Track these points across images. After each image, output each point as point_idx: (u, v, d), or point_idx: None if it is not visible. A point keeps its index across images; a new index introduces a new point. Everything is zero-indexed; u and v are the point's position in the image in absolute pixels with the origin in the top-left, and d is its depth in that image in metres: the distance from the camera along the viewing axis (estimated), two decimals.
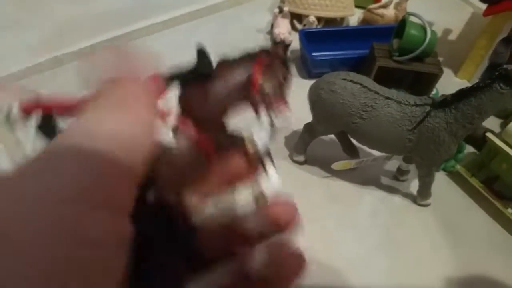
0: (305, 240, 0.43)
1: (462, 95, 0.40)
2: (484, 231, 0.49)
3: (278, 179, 0.23)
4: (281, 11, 0.64)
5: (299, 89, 0.50)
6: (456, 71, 0.66)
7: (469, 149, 0.54)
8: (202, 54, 0.27)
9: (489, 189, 0.51)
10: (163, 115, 0.24)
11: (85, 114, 0.20)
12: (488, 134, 0.51)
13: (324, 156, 0.52)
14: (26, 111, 0.24)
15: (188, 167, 0.19)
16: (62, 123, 0.21)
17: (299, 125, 0.51)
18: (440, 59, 0.66)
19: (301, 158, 0.51)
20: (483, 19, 0.60)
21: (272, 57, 0.25)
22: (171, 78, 0.25)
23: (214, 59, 0.27)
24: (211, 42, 0.63)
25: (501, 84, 0.38)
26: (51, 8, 0.65)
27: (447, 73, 0.66)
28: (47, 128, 0.25)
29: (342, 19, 0.69)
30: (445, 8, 0.77)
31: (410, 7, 0.68)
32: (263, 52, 0.25)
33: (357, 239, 0.46)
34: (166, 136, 0.23)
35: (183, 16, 0.67)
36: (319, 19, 0.66)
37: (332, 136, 0.51)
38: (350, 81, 0.42)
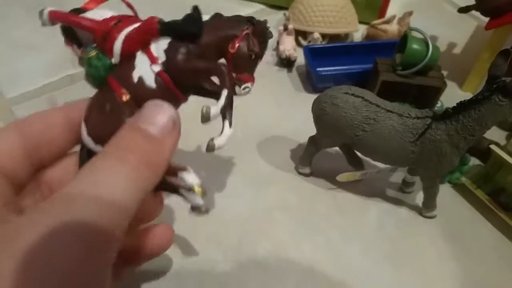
0: (311, 250, 0.44)
1: (462, 107, 0.40)
2: (490, 243, 0.49)
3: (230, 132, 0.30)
4: (286, 28, 0.65)
5: (304, 103, 0.51)
6: (460, 84, 0.67)
7: (474, 161, 0.54)
8: (194, 16, 0.35)
9: (495, 201, 0.51)
10: (153, 59, 0.30)
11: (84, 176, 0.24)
12: (493, 147, 0.51)
13: (329, 168, 0.53)
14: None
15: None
16: None
17: (304, 138, 0.52)
18: (445, 72, 0.67)
19: (306, 170, 0.52)
20: (487, 33, 0.61)
21: (256, 30, 0.31)
22: (166, 29, 0.31)
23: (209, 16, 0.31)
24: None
25: (500, 97, 0.38)
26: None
27: (452, 86, 0.67)
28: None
29: (346, 35, 0.71)
30: (449, 22, 0.78)
31: (413, 22, 0.69)
32: (250, 21, 0.30)
33: (363, 251, 0.47)
34: (150, 78, 0.30)
35: None
36: (323, 35, 0.67)
37: (337, 148, 0.52)
38: (352, 94, 0.43)
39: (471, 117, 0.40)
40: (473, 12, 0.65)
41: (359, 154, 0.49)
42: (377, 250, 0.47)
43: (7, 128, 0.29)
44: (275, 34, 0.70)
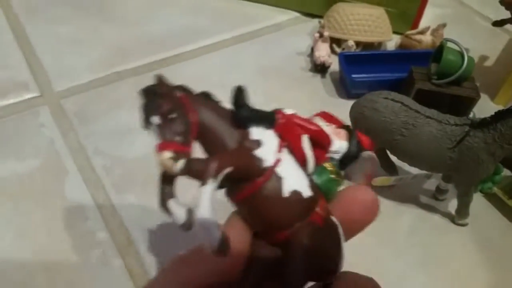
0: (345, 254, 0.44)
1: (500, 116, 0.41)
2: None
3: None
4: (321, 35, 0.67)
5: (337, 108, 0.52)
6: (492, 96, 0.68)
7: (505, 172, 0.55)
8: None
9: None
10: None
11: None
12: None
13: None
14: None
15: None
16: None
17: None
18: (477, 84, 0.68)
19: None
20: None
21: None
22: None
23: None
24: (254, 64, 0.66)
25: None
26: (105, 30, 0.70)
27: (484, 98, 0.67)
28: None
29: (380, 43, 0.72)
30: (481, 35, 0.79)
31: (445, 34, 0.70)
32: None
33: (396, 256, 0.47)
34: None
35: (226, 41, 0.71)
36: (357, 43, 0.69)
37: None
38: (392, 99, 0.45)
39: (509, 126, 0.41)
40: (505, 26, 0.65)
41: (394, 159, 0.50)
42: (409, 255, 0.48)
43: None
44: (309, 41, 0.72)
